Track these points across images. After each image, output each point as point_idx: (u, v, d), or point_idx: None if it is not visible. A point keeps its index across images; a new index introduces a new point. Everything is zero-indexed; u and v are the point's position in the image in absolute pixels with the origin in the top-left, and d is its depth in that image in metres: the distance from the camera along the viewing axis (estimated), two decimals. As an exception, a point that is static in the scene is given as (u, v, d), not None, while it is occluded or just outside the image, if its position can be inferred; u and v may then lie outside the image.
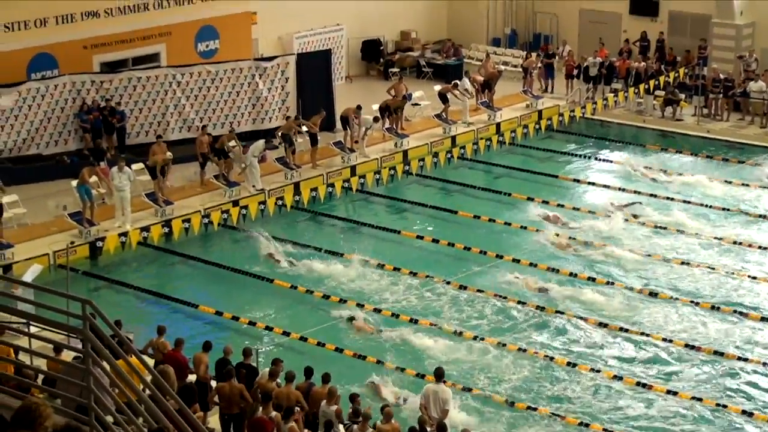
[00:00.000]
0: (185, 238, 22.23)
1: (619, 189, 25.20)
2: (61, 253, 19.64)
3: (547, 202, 24.19)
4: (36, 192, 23.36)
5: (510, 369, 17.09)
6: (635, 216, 23.29)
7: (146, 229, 21.86)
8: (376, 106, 27.90)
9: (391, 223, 23.51)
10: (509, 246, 21.97)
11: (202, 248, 22.14)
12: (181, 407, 8.85)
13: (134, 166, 23.40)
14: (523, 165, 27.02)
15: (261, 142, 25.00)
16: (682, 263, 20.99)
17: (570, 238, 22.24)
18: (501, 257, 21.24)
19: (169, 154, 23.50)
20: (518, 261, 21.10)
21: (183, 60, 27.75)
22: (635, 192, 24.78)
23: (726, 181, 25.42)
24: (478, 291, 19.75)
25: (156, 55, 28.08)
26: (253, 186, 24.14)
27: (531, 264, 20.92)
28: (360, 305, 19.13)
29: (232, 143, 24.56)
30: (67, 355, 12.46)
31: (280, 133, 25.72)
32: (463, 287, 19.93)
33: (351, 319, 18.66)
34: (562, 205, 24.06)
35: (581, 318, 18.78)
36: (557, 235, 22.26)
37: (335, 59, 31.30)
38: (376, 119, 27.08)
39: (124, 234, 21.51)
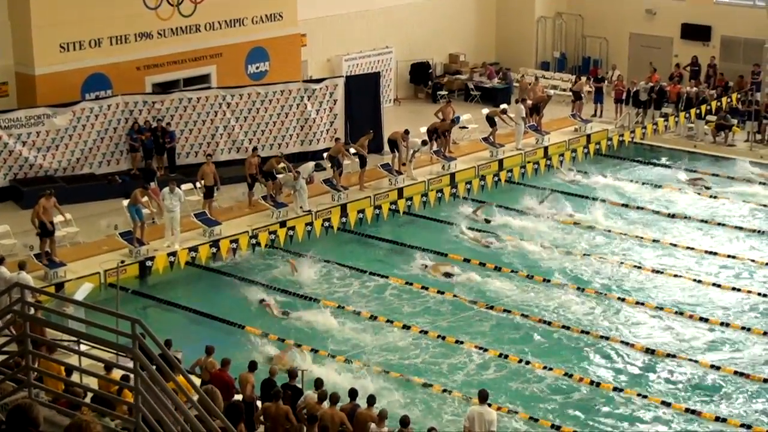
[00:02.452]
0: (232, 258, 22.35)
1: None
2: (112, 272, 19.86)
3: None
4: (88, 211, 23.68)
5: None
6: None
7: (194, 249, 22.05)
8: (424, 129, 27.95)
9: (437, 245, 23.43)
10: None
11: (249, 269, 22.23)
12: (226, 427, 8.89)
13: (184, 187, 23.66)
14: (567, 189, 26.90)
15: (311, 165, 25.15)
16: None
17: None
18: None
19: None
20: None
21: (233, 81, 28.04)
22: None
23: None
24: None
25: (207, 76, 28.41)
26: (301, 207, 24.26)
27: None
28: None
29: (281, 165, 24.71)
30: (117, 374, 12.58)
31: (327, 156, 25.86)
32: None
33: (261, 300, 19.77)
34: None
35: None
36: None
37: (384, 82, 31.43)
38: (424, 142, 27.12)
39: (173, 254, 21.70)
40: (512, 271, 21.87)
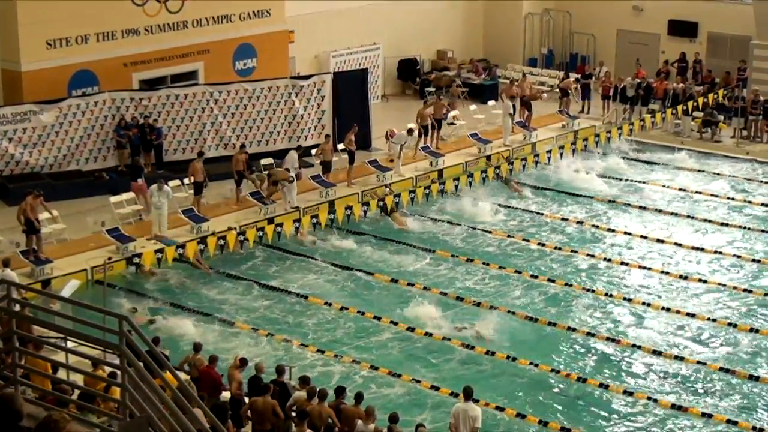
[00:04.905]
0: (220, 255, 22.34)
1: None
2: (99, 268, 19.81)
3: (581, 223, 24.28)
4: (75, 208, 23.62)
5: None
6: None
7: (182, 246, 22.00)
8: (412, 125, 27.97)
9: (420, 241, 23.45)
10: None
11: (238, 265, 22.20)
12: (214, 423, 8.88)
13: (171, 183, 23.63)
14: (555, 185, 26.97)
15: (293, 154, 25.18)
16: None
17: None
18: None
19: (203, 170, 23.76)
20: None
21: (221, 78, 27.98)
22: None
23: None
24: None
25: (194, 73, 28.35)
26: (289, 203, 24.25)
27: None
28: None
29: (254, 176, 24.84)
30: (104, 371, 12.54)
31: (319, 162, 25.91)
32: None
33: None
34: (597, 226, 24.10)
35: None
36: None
37: (371, 78, 31.41)
38: (410, 131, 27.08)
39: (161, 250, 21.66)
40: (491, 266, 21.89)
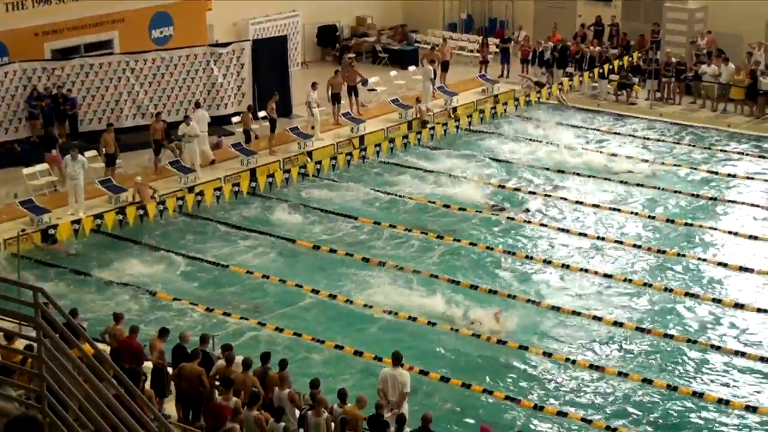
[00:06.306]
0: (140, 225, 22.04)
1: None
2: (12, 241, 19.40)
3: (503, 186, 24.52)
4: (-14, 180, 23.10)
5: None
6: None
7: (100, 216, 21.66)
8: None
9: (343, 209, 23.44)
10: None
11: (158, 235, 21.95)
12: (118, 393, 8.79)
13: (87, 154, 23.20)
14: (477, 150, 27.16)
15: (202, 112, 24.95)
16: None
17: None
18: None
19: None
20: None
21: (136, 47, 27.47)
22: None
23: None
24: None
25: (109, 42, 27.79)
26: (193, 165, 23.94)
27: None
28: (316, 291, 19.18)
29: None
30: (20, 344, 12.32)
31: (242, 130, 25.74)
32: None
33: None
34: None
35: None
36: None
37: (291, 45, 31.18)
38: (313, 85, 26.75)
39: (77, 221, 21.29)
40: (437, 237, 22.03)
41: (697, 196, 24.00)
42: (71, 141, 24.88)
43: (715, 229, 22.24)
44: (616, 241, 21.60)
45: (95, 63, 26.30)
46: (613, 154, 26.63)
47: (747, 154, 26.69)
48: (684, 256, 20.83)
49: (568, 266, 20.43)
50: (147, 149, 24.57)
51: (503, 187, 24.62)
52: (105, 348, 14.29)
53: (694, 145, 27.41)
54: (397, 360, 14.34)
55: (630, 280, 19.86)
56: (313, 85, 26.79)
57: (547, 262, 20.70)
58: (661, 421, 15.45)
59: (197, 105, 25.69)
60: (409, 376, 14.36)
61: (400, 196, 24.01)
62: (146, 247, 21.23)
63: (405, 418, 13.34)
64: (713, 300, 19.12)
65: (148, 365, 14.67)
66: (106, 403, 8.47)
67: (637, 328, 18.04)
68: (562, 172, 25.47)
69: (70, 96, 25.56)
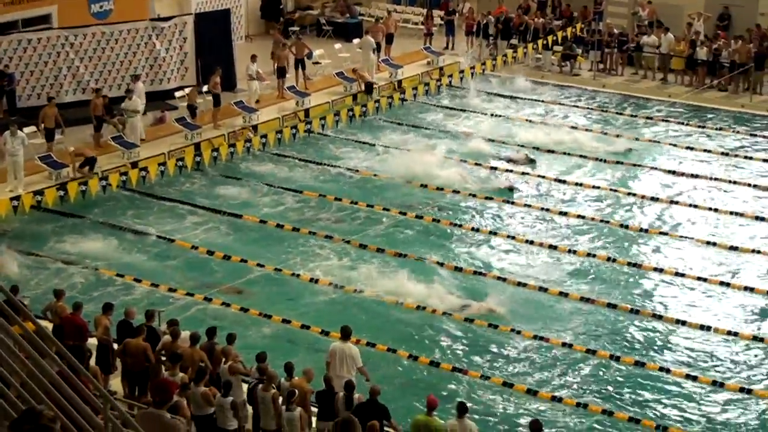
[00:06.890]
0: (82, 201, 21.74)
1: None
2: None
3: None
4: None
5: None
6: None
7: (40, 192, 21.32)
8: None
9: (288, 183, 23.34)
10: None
11: (101, 211, 21.67)
12: (61, 370, 8.69)
13: (26, 130, 22.80)
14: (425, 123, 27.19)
15: (141, 84, 24.67)
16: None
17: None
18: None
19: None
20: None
21: (76, 21, 26.98)
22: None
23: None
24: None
25: (47, 17, 27.24)
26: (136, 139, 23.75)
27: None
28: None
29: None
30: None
31: (186, 105, 25.49)
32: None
33: None
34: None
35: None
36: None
37: (234, 18, 30.85)
38: (253, 57, 26.66)
39: (17, 198, 20.94)
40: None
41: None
42: (9, 117, 24.42)
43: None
44: (560, 213, 21.83)
45: (33, 38, 25.81)
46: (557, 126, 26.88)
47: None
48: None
49: (514, 237, 20.60)
50: (88, 124, 24.21)
51: (450, 158, 24.69)
52: (48, 325, 14.11)
53: (635, 115, 27.75)
54: (346, 334, 14.35)
55: (575, 252, 20.09)
56: (253, 58, 26.63)
57: (493, 233, 20.85)
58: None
59: (136, 77, 25.37)
60: (357, 350, 14.37)
61: (347, 169, 23.97)
62: (89, 223, 20.96)
63: (353, 384, 13.34)
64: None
65: (93, 342, 14.53)
66: (50, 381, 8.37)
67: (582, 298, 18.26)
68: (504, 143, 25.66)
69: (8, 72, 25.08)
